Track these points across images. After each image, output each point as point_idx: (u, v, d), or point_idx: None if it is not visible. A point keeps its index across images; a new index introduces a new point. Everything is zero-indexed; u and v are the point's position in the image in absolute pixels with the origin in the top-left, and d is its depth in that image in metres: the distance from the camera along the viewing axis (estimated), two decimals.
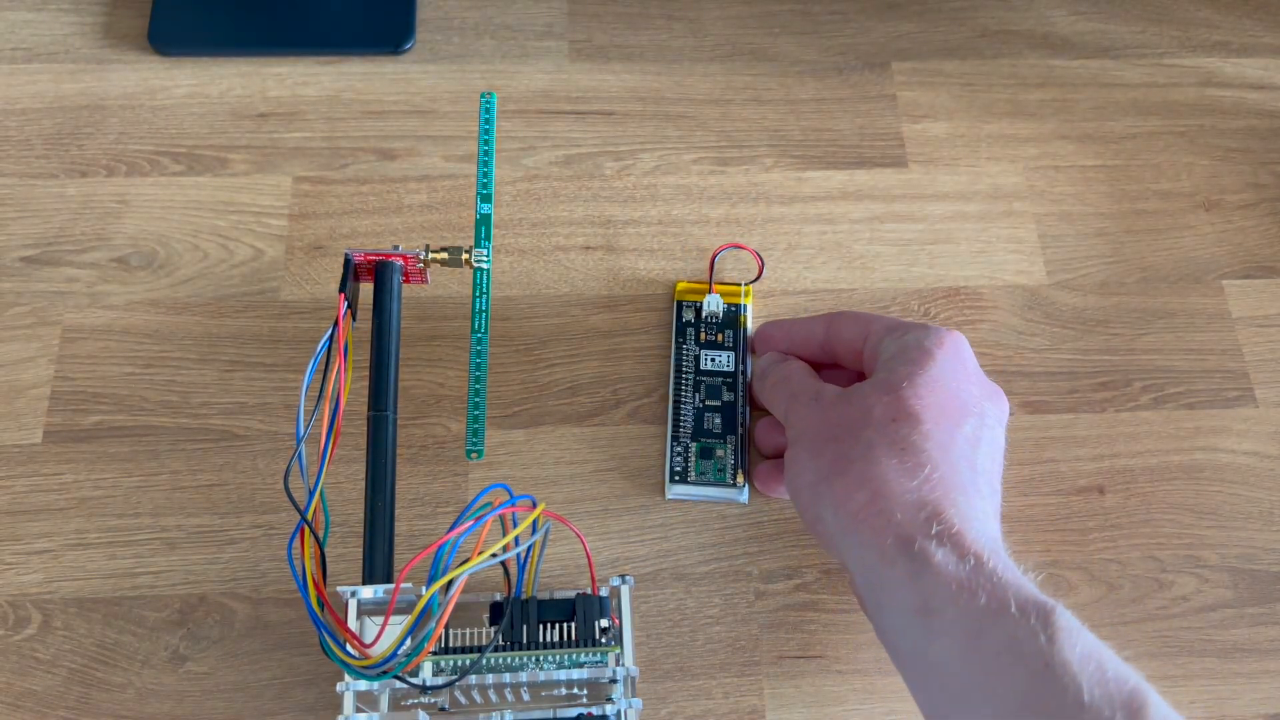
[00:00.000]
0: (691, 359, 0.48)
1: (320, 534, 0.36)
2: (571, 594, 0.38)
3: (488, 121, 0.46)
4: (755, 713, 0.42)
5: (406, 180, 0.53)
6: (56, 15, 0.57)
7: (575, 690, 0.39)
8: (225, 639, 0.43)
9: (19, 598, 0.43)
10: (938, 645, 0.34)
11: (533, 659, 0.37)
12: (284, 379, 0.48)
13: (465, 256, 0.44)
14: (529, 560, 0.38)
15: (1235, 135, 0.56)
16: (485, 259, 0.44)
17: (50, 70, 0.55)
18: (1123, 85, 0.57)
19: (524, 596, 0.38)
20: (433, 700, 0.39)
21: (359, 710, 0.36)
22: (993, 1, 0.60)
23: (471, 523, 0.35)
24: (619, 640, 0.38)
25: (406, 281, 0.44)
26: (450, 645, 0.37)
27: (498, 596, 0.39)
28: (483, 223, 0.44)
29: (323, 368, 0.39)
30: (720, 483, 0.45)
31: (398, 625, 0.37)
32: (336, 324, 0.39)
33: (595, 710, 0.38)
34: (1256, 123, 0.56)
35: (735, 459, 0.46)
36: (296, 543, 0.36)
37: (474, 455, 0.42)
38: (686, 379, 0.47)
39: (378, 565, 0.38)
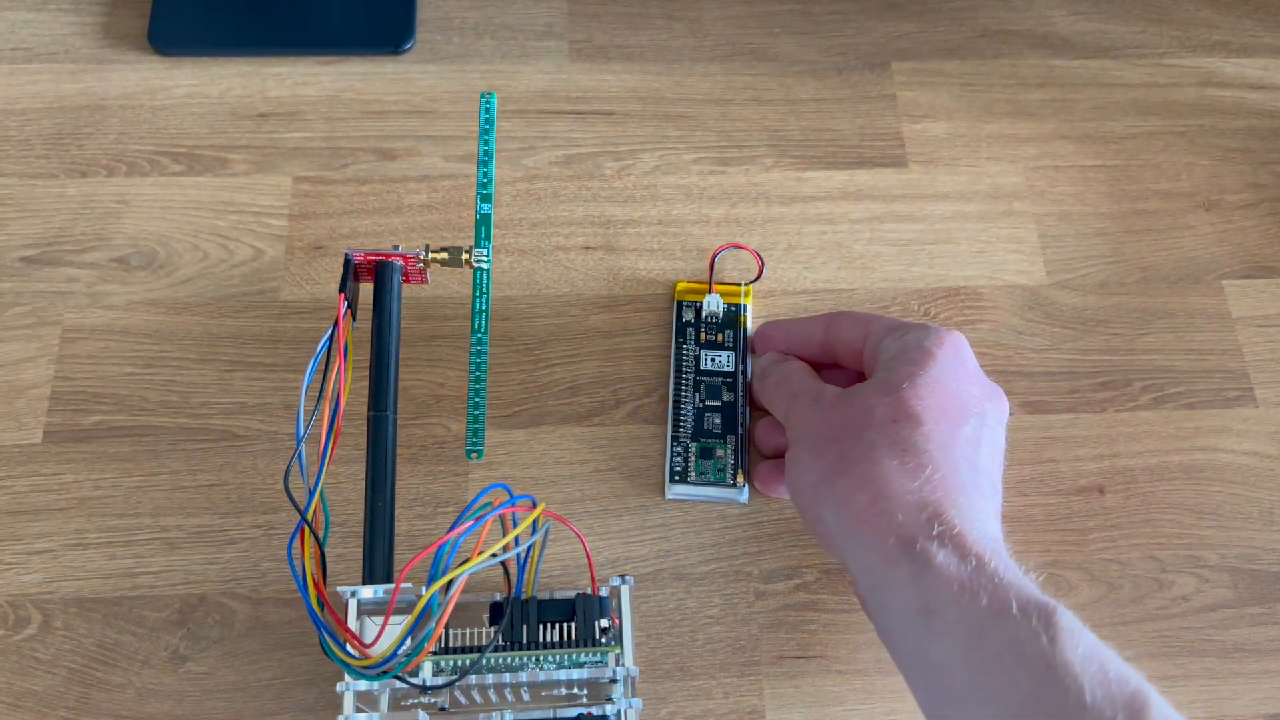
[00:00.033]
0: (691, 359, 0.48)
1: (320, 534, 0.36)
2: (571, 594, 0.38)
3: (488, 121, 0.46)
4: (755, 713, 0.42)
5: (406, 180, 0.53)
6: (56, 15, 0.57)
7: (575, 690, 0.39)
8: (225, 639, 0.43)
9: (19, 598, 0.43)
10: (939, 646, 0.34)
11: (533, 659, 0.37)
12: (284, 379, 0.48)
13: (465, 256, 0.44)
14: (529, 560, 0.38)
15: (1235, 135, 0.56)
16: (485, 259, 0.44)
17: (50, 70, 0.55)
18: (1123, 85, 0.57)
19: (524, 596, 0.38)
20: (433, 700, 0.39)
21: (359, 710, 0.36)
22: (993, 1, 0.60)
23: (471, 523, 0.35)
24: (619, 640, 0.38)
25: (406, 281, 0.44)
26: (450, 645, 0.37)
27: (498, 596, 0.39)
28: (483, 223, 0.44)
29: (323, 368, 0.39)
30: (720, 483, 0.45)
31: (398, 625, 0.37)
32: (336, 324, 0.39)
33: (595, 710, 0.38)
34: (1256, 123, 0.56)
35: (735, 459, 0.46)
36: (296, 543, 0.36)
37: (474, 455, 0.42)
38: (686, 379, 0.47)
39: (378, 565, 0.38)
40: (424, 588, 0.34)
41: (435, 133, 0.54)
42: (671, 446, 0.46)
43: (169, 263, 0.50)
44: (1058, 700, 0.32)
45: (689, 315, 0.49)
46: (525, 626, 0.37)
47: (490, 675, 0.36)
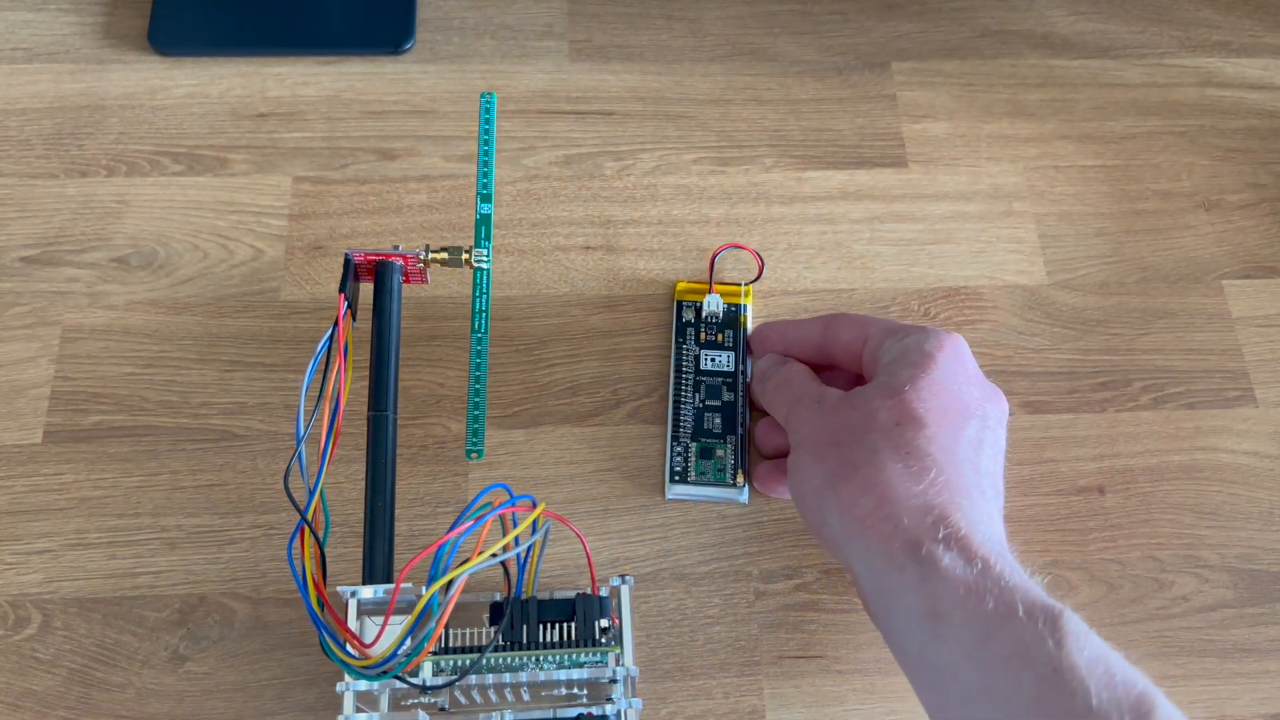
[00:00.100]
0: (691, 359, 0.48)
1: (320, 534, 0.36)
2: (571, 594, 0.38)
3: (488, 121, 0.46)
4: (755, 713, 0.42)
5: (406, 180, 0.53)
6: (56, 15, 0.57)
7: (575, 690, 0.39)
8: (225, 639, 0.43)
9: (19, 598, 0.43)
10: (946, 650, 0.34)
11: (533, 659, 0.37)
12: (284, 379, 0.48)
13: (465, 256, 0.44)
14: (529, 560, 0.38)
15: (1235, 135, 0.56)
16: (485, 259, 0.44)
17: (50, 70, 0.55)
18: (1123, 85, 0.57)
19: (524, 596, 0.38)
20: (433, 700, 0.39)
21: (359, 710, 0.36)
22: (993, 1, 0.60)
23: (471, 523, 0.35)
24: (619, 640, 0.38)
25: (406, 281, 0.44)
26: (450, 645, 0.37)
27: (498, 596, 0.39)
28: (483, 223, 0.44)
29: (323, 368, 0.39)
30: (720, 483, 0.45)
31: (398, 625, 0.37)
32: (336, 324, 0.39)
33: (595, 710, 0.38)
34: (1256, 123, 0.56)
35: (735, 459, 0.46)
36: (296, 543, 0.36)
37: (474, 455, 0.42)
38: (686, 379, 0.47)
39: (378, 565, 0.38)
40: (424, 588, 0.34)
41: (435, 133, 0.54)
42: (671, 446, 0.46)
43: (169, 263, 0.50)
44: (1064, 703, 0.32)
45: (689, 315, 0.49)
46: (525, 626, 0.37)
47: (490, 675, 0.36)
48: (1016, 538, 0.45)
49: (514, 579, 0.38)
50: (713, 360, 0.48)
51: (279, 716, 0.41)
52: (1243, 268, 0.52)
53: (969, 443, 0.38)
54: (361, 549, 0.39)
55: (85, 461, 0.46)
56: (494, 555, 0.36)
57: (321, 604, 0.35)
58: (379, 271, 0.43)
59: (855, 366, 0.44)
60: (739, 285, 0.50)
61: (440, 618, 0.34)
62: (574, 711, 0.38)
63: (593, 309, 0.50)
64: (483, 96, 0.46)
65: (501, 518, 0.36)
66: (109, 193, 0.52)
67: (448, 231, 0.51)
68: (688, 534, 0.45)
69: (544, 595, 0.38)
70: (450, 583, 0.34)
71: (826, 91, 0.56)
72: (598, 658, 0.37)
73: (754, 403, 0.47)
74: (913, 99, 0.56)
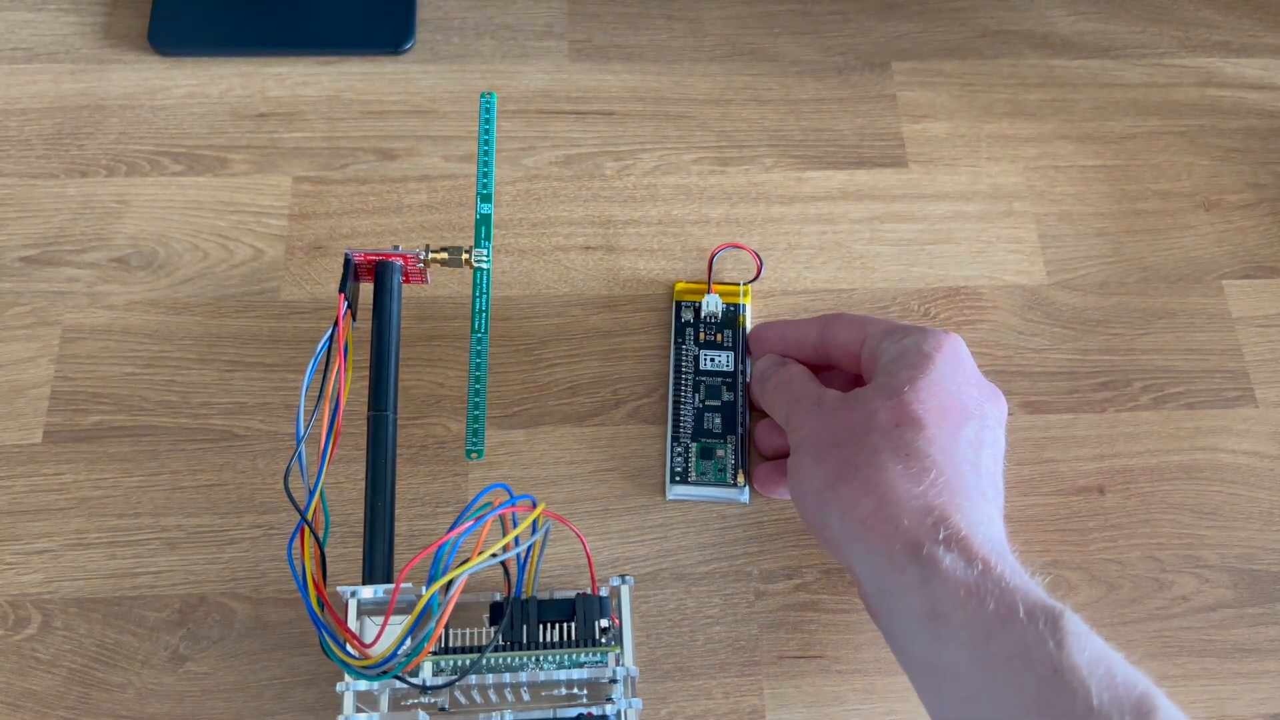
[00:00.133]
0: (691, 359, 0.48)
1: (320, 534, 0.36)
2: (571, 594, 0.38)
3: (488, 121, 0.46)
4: (755, 713, 0.42)
5: (406, 180, 0.53)
6: (56, 15, 0.57)
7: (575, 690, 0.39)
8: (225, 639, 0.43)
9: (19, 598, 0.43)
10: (947, 651, 0.34)
11: (533, 659, 0.37)
12: (284, 379, 0.48)
13: (465, 256, 0.44)
14: (529, 560, 0.38)
15: (1235, 135, 0.56)
16: (485, 259, 0.44)
17: (50, 70, 0.55)
18: (1123, 85, 0.57)
19: (524, 596, 0.38)
20: (433, 700, 0.39)
21: (359, 710, 0.36)
22: (993, 1, 0.60)
23: (471, 523, 0.35)
24: (619, 640, 0.38)
25: (406, 281, 0.44)
26: (450, 645, 0.37)
27: (498, 596, 0.39)
28: (483, 223, 0.44)
29: (323, 368, 0.39)
30: (721, 483, 0.45)
31: (398, 625, 0.37)
32: (336, 324, 0.39)
33: (595, 710, 0.38)
34: (1256, 123, 0.56)
35: (735, 459, 0.46)
36: (296, 543, 0.36)
37: (474, 455, 0.42)
38: (686, 379, 0.47)
39: (378, 565, 0.38)
40: (424, 588, 0.34)
41: (435, 133, 0.54)
42: (672, 447, 0.46)
43: (169, 263, 0.50)
44: (1065, 704, 0.32)
45: (688, 315, 0.49)
46: (525, 626, 0.37)
47: (490, 675, 0.36)
48: (1016, 538, 0.45)
49: (514, 579, 0.38)
50: (712, 360, 0.48)
51: (279, 716, 0.41)
52: (1243, 268, 0.52)
53: (968, 443, 0.38)
54: (361, 549, 0.39)
55: (85, 461, 0.46)
56: (494, 555, 0.36)
57: (321, 604, 0.35)
58: (379, 271, 0.43)
59: (853, 367, 0.44)
60: (738, 285, 0.50)
61: (440, 618, 0.34)
62: (574, 711, 0.38)
63: (593, 309, 0.50)
64: (483, 96, 0.46)
65: (501, 518, 0.36)
66: (109, 193, 0.52)
67: (448, 231, 0.51)
68: (688, 534, 0.45)
69: (544, 595, 0.38)
70: (450, 583, 0.34)
71: (826, 91, 0.56)
72: (598, 658, 0.37)
73: (753, 403, 0.47)
74: (913, 99, 0.56)
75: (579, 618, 0.37)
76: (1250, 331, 0.50)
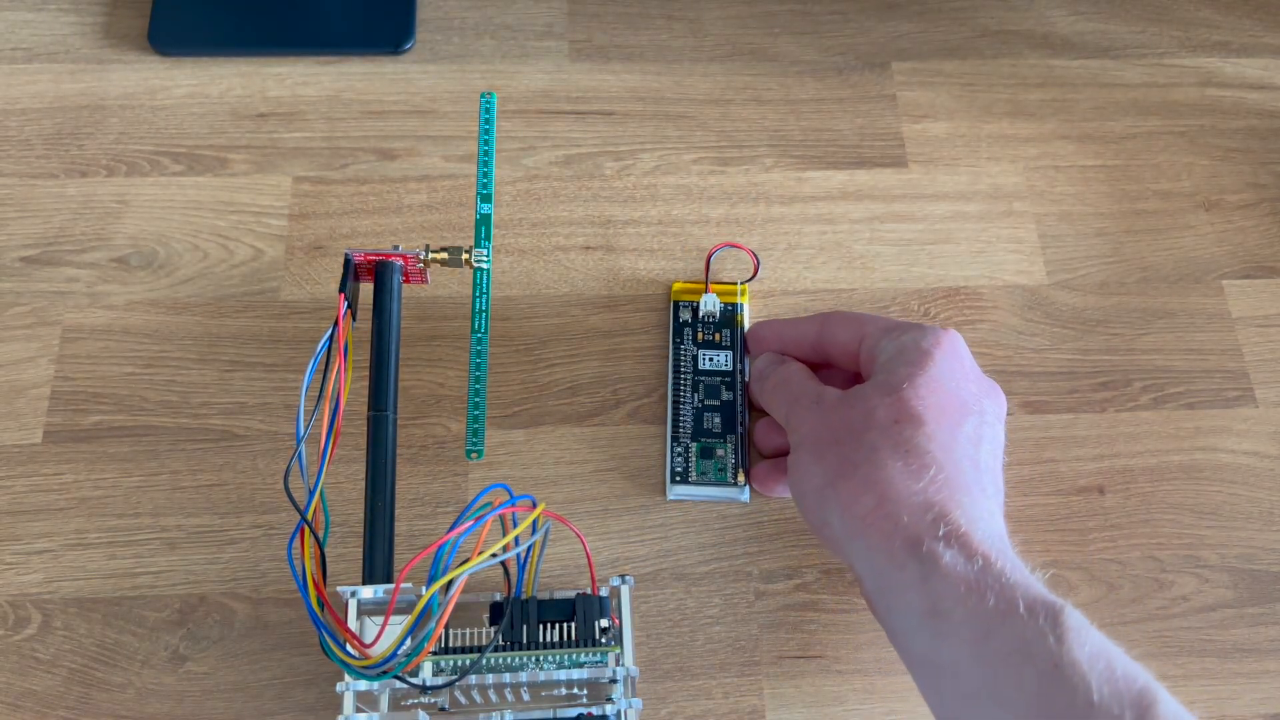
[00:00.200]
0: (689, 359, 0.48)
1: (320, 534, 0.36)
2: (571, 594, 0.38)
3: (488, 121, 0.46)
4: (755, 713, 0.42)
5: (406, 180, 0.53)
6: (56, 15, 0.57)
7: (575, 690, 0.39)
8: (225, 639, 0.43)
9: (19, 598, 0.43)
10: (947, 647, 0.34)
11: (533, 659, 0.37)
12: (284, 379, 0.48)
13: (465, 256, 0.44)
14: (529, 560, 0.38)
15: (1235, 135, 0.56)
16: (485, 259, 0.44)
17: (50, 70, 0.55)
18: (1123, 85, 0.57)
19: (524, 596, 0.38)
20: (433, 700, 0.39)
21: (359, 710, 0.36)
22: (993, 1, 0.60)
23: (471, 523, 0.35)
24: (619, 640, 0.38)
25: (406, 281, 0.44)
26: (450, 645, 0.37)
27: (498, 596, 0.39)
28: (483, 223, 0.44)
29: (323, 368, 0.39)
30: (721, 482, 0.45)
31: (398, 625, 0.37)
32: (336, 324, 0.39)
33: (595, 710, 0.38)
34: (1256, 123, 0.56)
35: (736, 458, 0.46)
36: (296, 543, 0.36)
37: (474, 455, 0.42)
38: (685, 379, 0.47)
39: (378, 565, 0.38)
40: (424, 588, 0.34)
41: (435, 133, 0.54)
42: (671, 447, 0.46)
43: (169, 263, 0.50)
44: (1066, 699, 0.32)
45: (686, 315, 0.49)
46: (525, 626, 0.37)
47: (490, 675, 0.36)
48: (1016, 538, 0.45)
49: (514, 579, 0.38)
50: (711, 360, 0.48)
51: (279, 716, 0.41)
52: (1243, 268, 0.52)
53: (968, 439, 0.38)
54: (361, 549, 0.39)
55: (85, 461, 0.46)
56: (494, 555, 0.36)
57: (321, 604, 0.35)
58: (379, 271, 0.43)
59: (852, 365, 0.44)
60: (735, 284, 0.50)
61: (440, 618, 0.34)
62: (574, 711, 0.38)
63: (593, 309, 0.50)
64: (483, 96, 0.46)
65: (501, 518, 0.36)
66: (109, 193, 0.52)
67: (448, 231, 0.51)
68: (688, 534, 0.45)
69: (544, 595, 0.38)
70: (450, 583, 0.34)
71: (826, 91, 0.56)
72: (598, 658, 0.37)
73: (753, 402, 0.47)
74: (913, 99, 0.56)
75: (579, 618, 0.37)
76: (1250, 331, 0.50)
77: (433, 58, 0.56)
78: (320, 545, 0.36)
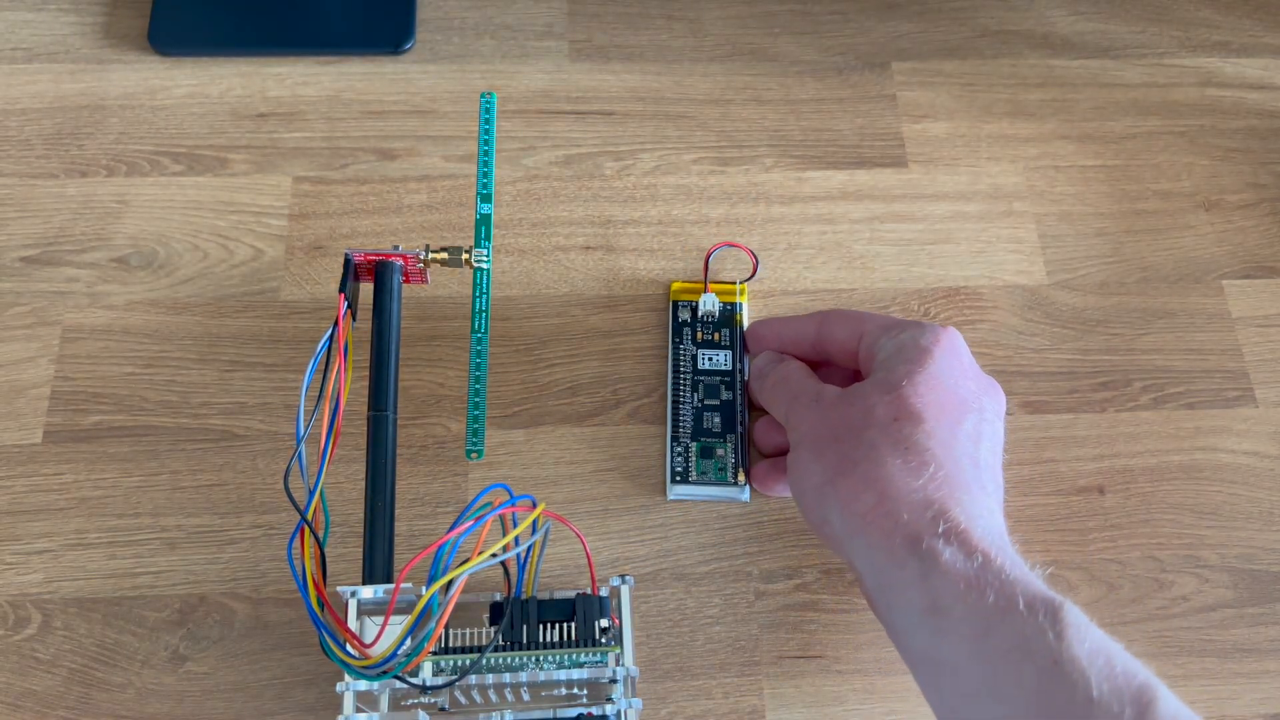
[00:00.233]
0: (689, 359, 0.48)
1: (320, 534, 0.36)
2: (571, 594, 0.38)
3: (488, 121, 0.46)
4: (755, 713, 0.42)
5: (406, 180, 0.53)
6: (56, 15, 0.57)
7: (575, 690, 0.39)
8: (225, 639, 0.43)
9: (19, 598, 0.43)
10: (947, 645, 0.34)
11: (533, 659, 0.37)
12: (284, 379, 0.48)
13: (465, 256, 0.44)
14: (529, 560, 0.38)
15: (1235, 135, 0.56)
16: (485, 259, 0.44)
17: (50, 70, 0.55)
18: (1123, 85, 0.57)
19: (524, 596, 0.38)
20: (433, 700, 0.39)
21: (359, 710, 0.36)
22: (993, 1, 0.60)
23: (471, 523, 0.35)
24: (619, 640, 0.38)
25: (406, 281, 0.44)
26: (450, 645, 0.37)
27: (498, 596, 0.39)
28: (483, 223, 0.44)
29: (323, 368, 0.39)
30: (722, 482, 0.45)
31: (398, 625, 0.37)
32: (336, 324, 0.39)
33: (595, 710, 0.38)
34: (1256, 123, 0.56)
35: (736, 457, 0.46)
36: (296, 543, 0.36)
37: (474, 455, 0.42)
38: (684, 379, 0.47)
39: (378, 565, 0.38)
40: (424, 588, 0.34)
41: (435, 133, 0.54)
42: (672, 447, 0.46)
43: (169, 263, 0.50)
44: (1065, 695, 0.32)
45: (685, 315, 0.49)
46: (525, 626, 0.37)
47: (490, 675, 0.36)
48: (1016, 538, 0.45)
49: (514, 579, 0.38)
50: (710, 359, 0.48)
51: (279, 716, 0.41)
52: (1243, 268, 0.52)
53: (967, 436, 0.38)
54: (361, 549, 0.39)
55: (85, 461, 0.46)
56: (494, 555, 0.36)
57: (321, 604, 0.35)
58: (379, 271, 0.43)
59: (851, 363, 0.44)
60: (734, 284, 0.50)
61: (440, 618, 0.34)
62: (574, 711, 0.38)
63: (592, 309, 0.50)
64: (483, 96, 0.46)
65: (501, 518, 0.36)
66: (109, 193, 0.52)
67: (448, 231, 0.51)
68: (688, 534, 0.45)
69: (544, 595, 0.38)
70: (450, 583, 0.34)
71: (826, 91, 0.56)
72: (598, 658, 0.37)
73: (752, 401, 0.47)
74: (913, 99, 0.56)
75: (579, 618, 0.37)
76: (1250, 331, 0.50)
77: (433, 58, 0.56)
78: (320, 545, 0.36)
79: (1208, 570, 0.45)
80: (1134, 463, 0.47)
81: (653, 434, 0.47)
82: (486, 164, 0.45)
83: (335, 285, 0.49)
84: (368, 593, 0.37)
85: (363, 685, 0.36)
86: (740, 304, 0.49)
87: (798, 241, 0.52)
